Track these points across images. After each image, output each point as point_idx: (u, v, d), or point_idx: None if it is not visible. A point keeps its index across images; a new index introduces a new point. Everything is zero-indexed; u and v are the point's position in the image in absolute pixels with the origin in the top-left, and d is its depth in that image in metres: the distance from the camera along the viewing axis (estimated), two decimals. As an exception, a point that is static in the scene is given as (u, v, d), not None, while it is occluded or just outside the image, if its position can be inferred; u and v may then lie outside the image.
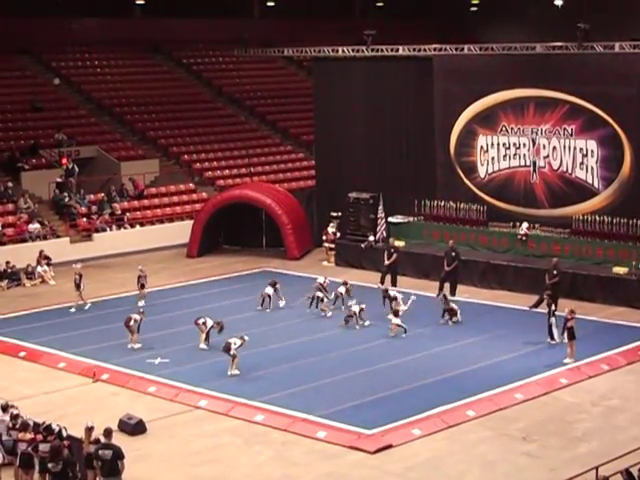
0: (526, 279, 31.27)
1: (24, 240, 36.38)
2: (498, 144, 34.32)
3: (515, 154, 34.02)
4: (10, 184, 38.82)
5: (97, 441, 17.50)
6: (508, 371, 24.14)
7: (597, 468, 16.52)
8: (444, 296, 29.09)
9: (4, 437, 18.97)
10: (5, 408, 19.38)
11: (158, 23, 52.21)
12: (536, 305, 28.36)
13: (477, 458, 19.53)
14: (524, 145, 33.77)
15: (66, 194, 39.33)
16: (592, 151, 32.32)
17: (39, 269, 34.50)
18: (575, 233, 32.19)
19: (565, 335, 24.93)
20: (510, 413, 21.75)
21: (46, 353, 26.24)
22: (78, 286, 30.11)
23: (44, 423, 18.54)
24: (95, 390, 23.73)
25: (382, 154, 37.09)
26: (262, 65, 53.22)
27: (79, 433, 18.23)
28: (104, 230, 38.58)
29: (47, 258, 34.89)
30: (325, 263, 36.23)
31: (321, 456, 19.71)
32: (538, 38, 40.39)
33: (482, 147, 34.68)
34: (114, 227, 39.02)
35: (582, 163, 32.61)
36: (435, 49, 35.72)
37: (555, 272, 29.20)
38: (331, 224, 37.05)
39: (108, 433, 17.25)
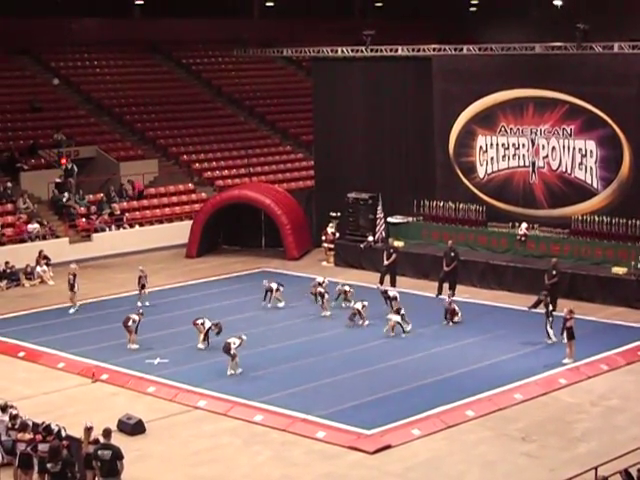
0: (525, 279, 31.27)
1: (23, 240, 36.37)
2: (497, 144, 34.32)
3: (514, 154, 34.01)
4: (9, 184, 38.82)
5: (96, 441, 17.50)
6: (507, 371, 24.14)
7: (596, 468, 16.52)
8: (449, 295, 29.07)
9: (3, 437, 18.96)
10: (4, 408, 19.36)
11: (157, 23, 52.24)
12: (535, 305, 28.35)
13: (476, 458, 19.53)
14: (523, 145, 33.77)
15: (65, 194, 39.33)
16: (591, 151, 32.32)
17: (38, 269, 34.50)
18: (574, 233, 32.19)
19: (564, 335, 24.93)
20: (509, 413, 21.75)
21: (45, 353, 26.24)
22: (72, 286, 30.03)
23: (43, 423, 18.53)
24: (94, 390, 23.73)
25: (381, 154, 37.09)
26: (261, 65, 53.25)
27: (78, 433, 18.22)
28: (103, 230, 38.57)
29: (46, 258, 34.88)
30: (324, 263, 36.23)
31: (320, 456, 19.70)
32: (537, 38, 40.36)
33: (481, 147, 34.68)
34: (113, 227, 39.02)
35: (581, 163, 32.61)
36: (434, 49, 35.72)
37: (554, 272, 29.21)
38: (330, 224, 37.04)
39: (107, 433, 17.25)
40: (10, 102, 44.12)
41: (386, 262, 32.29)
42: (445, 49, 35.49)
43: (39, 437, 18.01)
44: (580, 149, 32.57)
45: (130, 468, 17.68)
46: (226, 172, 44.96)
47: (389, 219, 35.41)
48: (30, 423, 18.70)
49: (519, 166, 33.99)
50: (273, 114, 50.67)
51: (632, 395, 22.90)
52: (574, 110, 32.44)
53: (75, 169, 39.98)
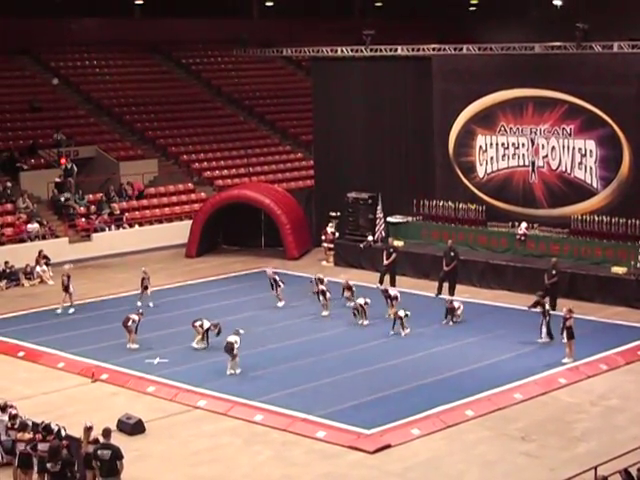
0: (525, 279, 31.27)
1: (23, 240, 36.38)
2: (497, 144, 34.32)
3: (514, 154, 34.01)
4: (9, 184, 38.81)
5: (96, 441, 17.49)
6: (507, 371, 24.14)
7: (596, 468, 16.52)
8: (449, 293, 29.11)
9: (3, 437, 18.99)
10: (4, 408, 19.36)
11: (157, 23, 52.24)
12: (535, 305, 28.31)
13: (476, 458, 19.53)
14: (523, 145, 33.77)
15: (65, 194, 39.33)
16: (591, 151, 32.32)
17: (38, 269, 34.51)
18: (574, 233, 32.18)
19: (564, 335, 24.92)
20: (509, 413, 21.75)
21: (45, 353, 26.24)
22: (67, 287, 29.95)
23: (43, 423, 18.52)
24: (94, 390, 23.73)
25: (381, 154, 37.07)
26: (261, 65, 53.26)
27: (78, 433, 18.21)
28: (103, 230, 38.58)
29: (46, 258, 34.89)
30: (324, 263, 36.23)
31: (320, 456, 19.71)
32: (537, 38, 40.32)
33: (481, 147, 34.69)
34: (113, 227, 39.02)
35: (581, 163, 32.61)
36: (434, 49, 35.72)
37: (554, 272, 29.22)
38: (330, 224, 37.04)
39: (107, 433, 17.24)
40: (10, 102, 44.13)
41: (386, 262, 32.29)
42: (445, 49, 35.48)
43: (39, 437, 18.01)
44: (580, 149, 32.57)
45: (130, 468, 17.68)
46: (226, 172, 44.96)
47: (389, 219, 35.41)
48: (30, 423, 18.70)
49: (519, 166, 33.99)
50: (273, 114, 50.67)
51: (632, 395, 22.90)
52: (574, 110, 32.44)
53: (75, 169, 40.01)
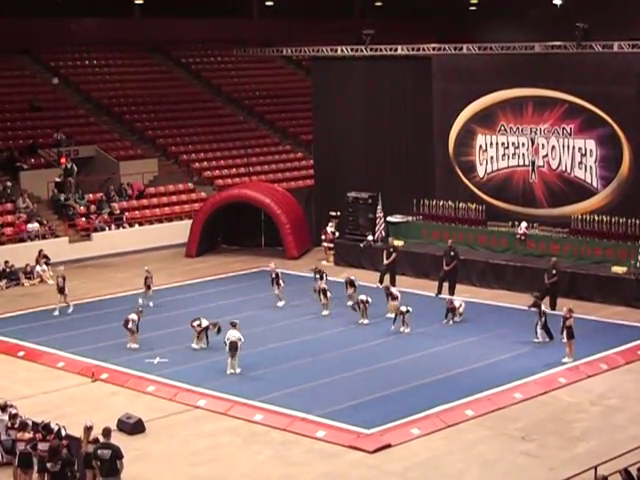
0: (525, 278, 31.27)
1: (23, 240, 36.38)
2: (497, 143, 34.32)
3: (514, 153, 34.01)
4: (9, 184, 38.82)
5: (96, 441, 17.49)
6: (507, 370, 24.14)
7: (596, 467, 16.53)
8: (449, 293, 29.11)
9: (3, 437, 18.99)
10: (4, 407, 19.36)
11: (157, 23, 52.19)
12: (534, 305, 28.32)
13: (476, 457, 19.54)
14: (523, 144, 33.77)
15: (65, 194, 39.32)
16: (591, 150, 32.32)
17: (38, 269, 34.51)
18: (574, 232, 32.18)
19: (564, 334, 24.92)
20: (509, 413, 21.75)
21: (45, 353, 26.25)
22: (62, 289, 29.83)
23: (43, 422, 18.52)
24: (94, 390, 23.74)
25: (381, 154, 37.07)
26: (261, 65, 53.25)
27: (78, 432, 18.20)
28: (103, 230, 38.57)
29: (46, 258, 34.90)
30: (324, 263, 36.18)
31: (320, 455, 19.71)
32: (537, 37, 40.30)
33: (481, 146, 34.68)
34: (113, 227, 39.02)
35: (581, 162, 32.61)
36: (434, 49, 35.72)
37: (554, 272, 29.22)
38: (330, 223, 37.05)
39: (107, 433, 17.24)
40: (10, 102, 44.13)
41: (386, 261, 32.31)
42: (445, 48, 35.48)
43: (39, 436, 18.01)
44: (580, 148, 32.57)
45: (130, 467, 17.68)
46: (226, 171, 44.95)
47: (389, 218, 35.41)
48: (30, 422, 18.70)
49: (519, 165, 33.98)
50: (272, 113, 50.66)
51: (631, 394, 22.90)
52: (574, 109, 32.44)
53: (75, 168, 39.97)
